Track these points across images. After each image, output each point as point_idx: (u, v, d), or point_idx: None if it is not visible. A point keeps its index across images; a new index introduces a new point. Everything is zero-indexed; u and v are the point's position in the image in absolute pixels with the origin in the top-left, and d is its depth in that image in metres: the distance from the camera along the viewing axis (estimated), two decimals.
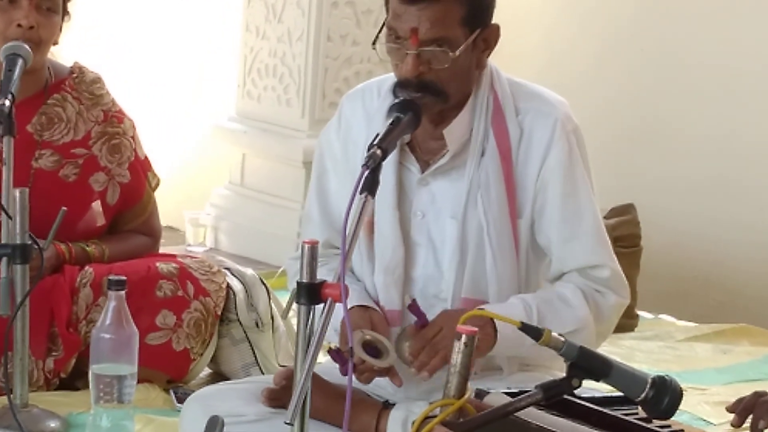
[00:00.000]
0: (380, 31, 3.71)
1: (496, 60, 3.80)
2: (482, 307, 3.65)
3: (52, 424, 4.05)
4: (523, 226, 3.78)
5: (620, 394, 2.95)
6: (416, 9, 3.62)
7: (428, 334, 3.64)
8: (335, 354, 3.56)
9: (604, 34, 6.15)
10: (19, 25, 4.23)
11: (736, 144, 5.81)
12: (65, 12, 4.37)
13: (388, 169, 3.68)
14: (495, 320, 3.58)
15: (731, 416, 4.41)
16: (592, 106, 5.58)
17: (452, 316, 3.60)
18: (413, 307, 3.65)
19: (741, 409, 3.23)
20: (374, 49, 3.75)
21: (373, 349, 3.62)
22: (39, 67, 4.37)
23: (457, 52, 3.63)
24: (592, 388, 3.04)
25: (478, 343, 3.09)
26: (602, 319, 3.79)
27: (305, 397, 3.42)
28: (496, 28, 3.75)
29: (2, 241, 3.97)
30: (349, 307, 3.56)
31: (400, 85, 3.66)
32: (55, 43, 4.39)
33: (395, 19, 3.66)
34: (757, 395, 3.20)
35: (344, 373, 3.44)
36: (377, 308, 3.75)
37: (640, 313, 5.34)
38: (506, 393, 3.11)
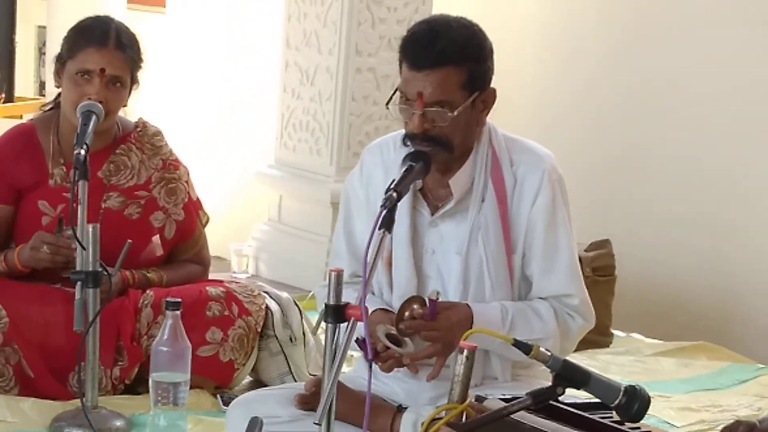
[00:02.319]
0: (393, 94, 3.73)
1: (493, 117, 3.81)
2: (468, 304, 3.66)
3: (118, 423, 4.04)
4: (517, 261, 3.78)
5: (597, 400, 2.95)
6: (422, 75, 3.63)
7: (429, 324, 3.63)
8: (361, 342, 3.56)
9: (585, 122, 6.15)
10: (89, 98, 4.22)
11: (697, 184, 5.78)
12: (134, 81, 4.37)
13: (403, 212, 3.69)
14: (473, 319, 3.59)
15: (694, 419, 4.42)
16: (571, 152, 5.58)
17: (460, 310, 3.65)
18: (433, 303, 3.64)
19: None
20: (388, 108, 3.77)
21: (394, 340, 3.63)
22: (108, 126, 4.38)
23: (456, 113, 3.64)
24: (573, 395, 3.04)
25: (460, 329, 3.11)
26: (568, 337, 3.79)
27: (331, 402, 3.42)
28: (493, 91, 3.75)
29: (78, 269, 3.99)
30: (372, 310, 3.59)
31: (409, 138, 3.68)
32: (124, 106, 4.40)
33: (405, 84, 3.67)
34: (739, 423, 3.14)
35: (367, 359, 3.43)
36: (394, 311, 3.75)
37: (614, 331, 5.33)
38: (501, 399, 3.10)
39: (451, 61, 3.65)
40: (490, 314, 3.68)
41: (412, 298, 3.67)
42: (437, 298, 3.65)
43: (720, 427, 4.29)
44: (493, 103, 3.76)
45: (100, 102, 4.21)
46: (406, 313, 3.64)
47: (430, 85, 3.63)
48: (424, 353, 3.62)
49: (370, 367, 3.40)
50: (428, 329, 3.62)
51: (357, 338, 3.55)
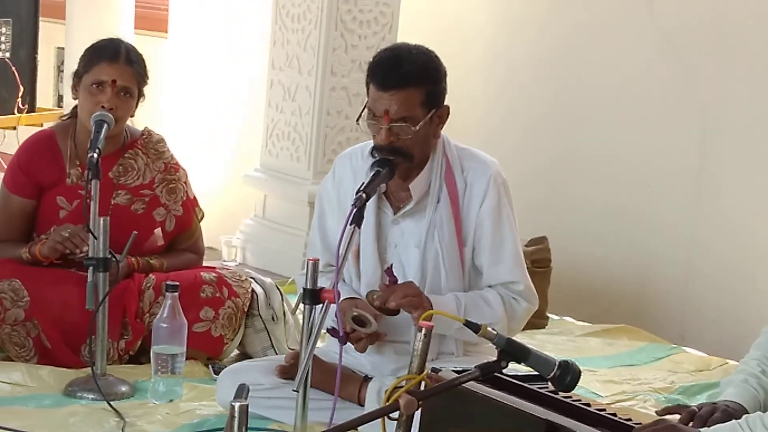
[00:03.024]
0: (362, 111, 3.73)
1: (445, 129, 3.81)
2: (428, 296, 3.66)
3: (123, 388, 4.02)
4: (467, 253, 3.79)
5: (536, 372, 2.95)
6: (388, 95, 3.64)
7: (401, 288, 3.63)
8: (332, 331, 3.56)
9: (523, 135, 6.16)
10: (102, 107, 4.22)
11: (623, 184, 5.78)
12: (141, 94, 4.36)
13: (369, 212, 3.69)
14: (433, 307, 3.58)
15: (616, 390, 4.42)
16: (515, 154, 5.58)
17: (413, 285, 3.65)
18: (389, 270, 3.66)
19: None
20: (358, 124, 3.78)
21: (359, 321, 3.63)
22: (118, 132, 4.36)
23: (417, 127, 3.65)
24: (515, 368, 3.04)
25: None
26: (515, 318, 3.80)
27: (308, 372, 3.42)
28: (447, 108, 3.76)
29: (90, 256, 3.97)
30: (342, 298, 3.59)
31: (376, 149, 3.68)
32: (132, 116, 4.39)
33: (372, 103, 3.68)
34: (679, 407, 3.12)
35: (341, 343, 3.43)
36: (362, 297, 3.75)
37: (549, 315, 5.33)
38: (454, 370, 3.10)
39: (412, 83, 3.65)
40: (446, 303, 3.68)
41: (370, 291, 3.68)
42: (391, 267, 3.65)
43: (639, 397, 4.34)
44: (447, 118, 3.77)
45: (111, 109, 4.20)
46: (374, 296, 3.64)
47: (395, 103, 3.64)
48: (406, 301, 3.59)
49: (342, 345, 3.41)
50: (398, 290, 3.61)
51: (327, 328, 3.56)
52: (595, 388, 4.39)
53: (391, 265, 3.71)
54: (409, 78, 3.64)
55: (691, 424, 3.05)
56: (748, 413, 3.00)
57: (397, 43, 3.89)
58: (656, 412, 3.06)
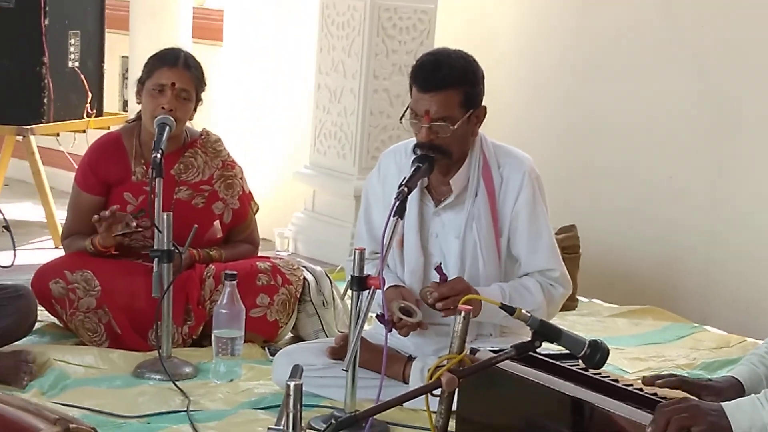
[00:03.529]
0: (405, 111, 3.74)
1: (483, 128, 3.81)
2: (476, 288, 3.65)
3: (187, 369, 4.04)
4: (503, 243, 3.80)
5: (567, 351, 2.96)
6: (428, 96, 3.64)
7: (450, 284, 3.63)
8: (381, 318, 3.57)
9: (548, 112, 6.14)
10: (162, 108, 4.25)
11: (640, 183, 5.78)
12: (199, 98, 4.38)
13: (412, 204, 3.71)
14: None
15: (642, 366, 4.41)
16: (548, 155, 5.57)
17: (463, 280, 3.64)
18: (439, 268, 3.67)
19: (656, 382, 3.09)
20: (401, 122, 3.78)
21: (406, 311, 3.64)
22: (178, 133, 4.37)
23: (456, 126, 3.65)
24: (548, 348, 3.04)
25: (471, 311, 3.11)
26: (552, 303, 3.80)
27: (356, 353, 3.44)
28: (484, 108, 3.76)
29: (155, 248, 4.00)
30: (387, 287, 3.59)
31: (418, 146, 3.69)
32: (190, 119, 4.41)
33: (414, 103, 3.68)
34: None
35: (389, 330, 3.45)
36: (405, 286, 3.76)
37: (579, 298, 5.32)
38: (491, 350, 3.11)
39: (451, 85, 3.65)
40: (492, 293, 3.68)
41: (425, 288, 3.68)
42: (440, 265, 3.66)
43: (663, 373, 4.31)
44: (484, 118, 3.77)
45: (171, 110, 4.23)
46: (429, 299, 3.63)
47: (435, 104, 3.64)
48: (451, 303, 3.58)
49: (389, 331, 3.43)
50: (450, 288, 3.60)
51: (377, 314, 3.57)
52: (622, 365, 4.39)
53: (440, 264, 3.70)
54: (447, 81, 3.64)
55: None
56: (741, 384, 3.00)
57: (439, 48, 3.88)
58: (643, 380, 3.00)
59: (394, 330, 3.65)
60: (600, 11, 5.95)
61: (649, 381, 2.97)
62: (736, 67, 5.43)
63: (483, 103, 3.75)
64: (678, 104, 5.64)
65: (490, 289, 3.70)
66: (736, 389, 3.00)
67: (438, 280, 3.67)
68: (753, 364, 3.09)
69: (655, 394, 2.86)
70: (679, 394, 2.92)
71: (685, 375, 3.17)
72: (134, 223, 4.20)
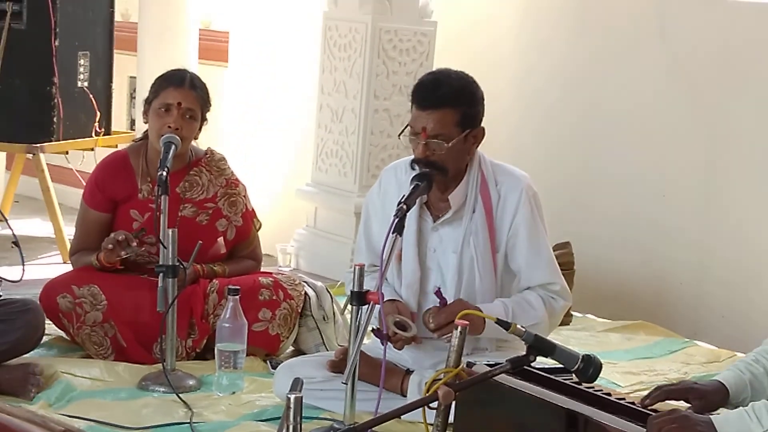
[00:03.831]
0: (405, 128, 3.74)
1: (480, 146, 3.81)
2: (478, 306, 3.64)
3: (191, 382, 4.03)
4: (500, 258, 3.79)
5: (561, 365, 2.95)
6: (425, 114, 3.65)
7: (450, 310, 3.61)
8: (377, 332, 3.56)
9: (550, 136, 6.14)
10: (168, 127, 4.25)
11: (639, 193, 5.77)
12: (204, 118, 4.38)
13: (411, 219, 3.70)
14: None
15: (634, 380, 4.40)
16: (542, 165, 5.56)
17: (463, 302, 3.62)
18: (438, 292, 3.66)
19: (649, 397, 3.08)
20: (399, 138, 3.79)
21: (401, 326, 3.63)
22: (184, 152, 4.37)
23: (450, 144, 3.64)
24: (542, 362, 3.03)
25: (475, 329, 3.09)
26: (554, 315, 3.80)
27: (355, 366, 3.43)
28: (483, 129, 3.75)
29: (160, 263, 3.99)
30: (384, 300, 3.58)
31: (414, 161, 3.69)
32: (196, 138, 4.41)
33: (413, 120, 3.69)
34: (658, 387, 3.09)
35: (383, 344, 3.44)
36: (402, 300, 3.75)
37: (573, 313, 5.30)
38: (487, 364, 3.10)
39: (448, 104, 3.65)
40: (495, 309, 3.66)
41: (426, 312, 3.68)
42: (439, 289, 3.66)
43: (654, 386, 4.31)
44: (482, 139, 3.76)
45: (177, 129, 4.22)
46: (430, 324, 3.63)
47: (431, 121, 3.64)
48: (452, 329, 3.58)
49: (385, 344, 3.41)
50: (448, 314, 3.60)
51: (372, 329, 3.56)
52: (615, 379, 4.37)
53: (439, 289, 3.70)
54: (444, 99, 3.64)
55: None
56: (726, 389, 3.00)
57: (441, 69, 3.87)
58: (643, 401, 3.00)
59: (389, 343, 3.64)
60: (594, 21, 5.95)
61: (642, 404, 2.96)
62: (726, 78, 5.42)
63: (482, 125, 3.74)
64: (668, 115, 5.63)
65: (493, 305, 3.69)
66: (721, 393, 3.01)
67: (438, 304, 3.66)
68: (740, 370, 3.09)
69: (646, 407, 2.86)
70: (669, 405, 2.92)
71: (667, 383, 3.16)
72: (134, 243, 4.20)
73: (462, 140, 3.67)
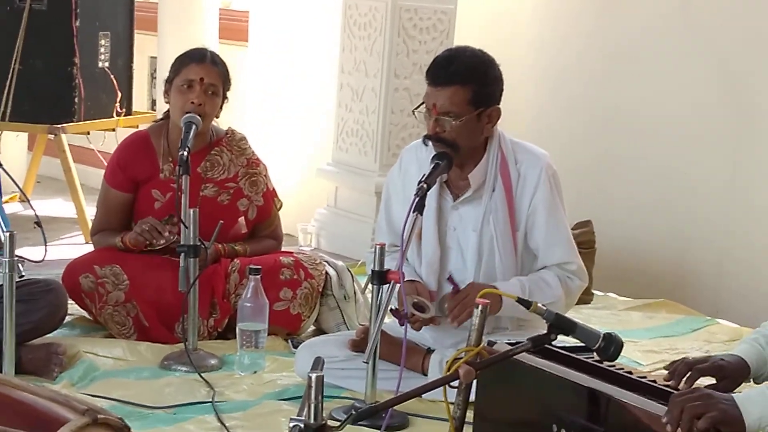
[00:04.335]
0: (420, 105, 3.73)
1: (502, 125, 3.79)
2: (494, 284, 3.65)
3: (213, 361, 4.05)
4: (520, 237, 3.78)
5: (582, 344, 2.94)
6: (436, 90, 3.65)
7: (460, 296, 3.65)
8: (395, 312, 3.56)
9: (568, 110, 6.12)
10: (192, 102, 4.26)
11: (657, 178, 5.76)
12: (224, 96, 4.38)
13: (432, 198, 3.69)
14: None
15: (656, 359, 4.39)
16: (564, 153, 5.55)
17: (476, 286, 3.63)
18: (450, 279, 3.67)
19: (675, 374, 3.06)
20: (413, 115, 3.78)
21: (419, 307, 3.63)
22: (205, 131, 4.38)
23: (459, 122, 3.62)
24: (563, 340, 3.03)
25: (492, 307, 3.08)
26: (570, 295, 3.79)
27: (376, 345, 3.43)
28: (498, 109, 3.71)
29: (182, 243, 4.00)
30: (404, 280, 3.59)
31: (426, 137, 3.69)
32: (217, 116, 4.41)
33: (426, 97, 3.69)
34: (686, 363, 3.07)
35: (401, 324, 3.44)
36: (421, 281, 3.76)
37: (594, 291, 5.30)
38: (508, 343, 3.10)
39: (458, 81, 3.63)
40: (512, 287, 3.66)
41: (442, 298, 3.71)
42: (451, 276, 3.65)
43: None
44: (498, 119, 3.72)
45: (200, 105, 4.23)
46: (447, 311, 3.64)
47: (441, 98, 3.63)
48: (465, 317, 3.59)
49: (406, 321, 3.41)
50: (462, 297, 3.61)
51: (391, 309, 3.56)
52: (636, 358, 4.37)
53: (451, 275, 3.70)
54: (455, 77, 3.62)
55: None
56: (747, 365, 2.99)
57: (459, 46, 3.85)
58: (666, 368, 3.00)
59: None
60: (618, 10, 5.92)
61: (668, 381, 2.95)
62: (755, 63, 5.40)
63: (499, 104, 3.72)
64: (695, 100, 5.61)
65: (509, 283, 3.69)
66: (744, 369, 3.00)
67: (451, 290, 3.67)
68: (759, 344, 3.08)
69: (668, 385, 2.85)
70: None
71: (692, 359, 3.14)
72: (166, 233, 4.22)
73: (474, 118, 3.65)
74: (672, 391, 2.79)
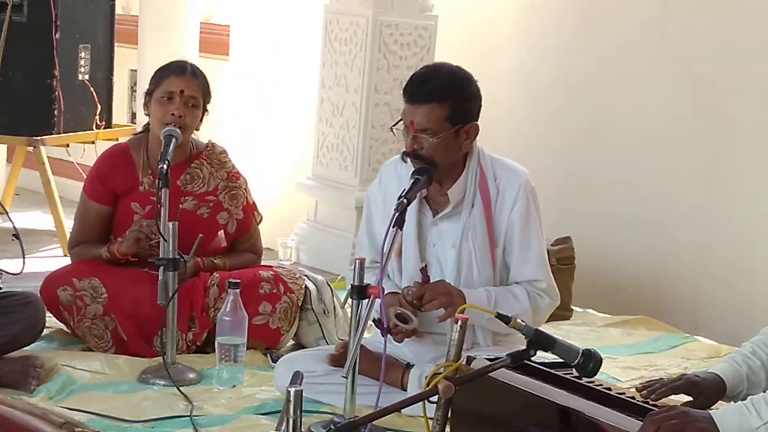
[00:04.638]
0: (397, 122, 3.74)
1: (481, 141, 3.80)
2: (461, 290, 3.66)
3: (191, 375, 4.04)
4: (498, 253, 3.79)
5: (561, 360, 2.95)
6: (413, 108, 3.66)
7: (431, 286, 3.65)
8: (377, 323, 3.56)
9: (552, 126, 6.14)
10: (172, 114, 4.25)
11: (634, 196, 5.78)
12: (205, 109, 4.38)
13: (411, 214, 3.69)
14: (466, 300, 3.59)
15: (635, 375, 4.40)
16: (544, 169, 5.57)
17: (446, 283, 3.66)
18: (424, 270, 3.67)
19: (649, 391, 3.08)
20: (392, 131, 3.79)
21: (402, 318, 3.63)
22: (185, 143, 4.38)
23: (436, 139, 3.63)
24: (542, 356, 3.03)
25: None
26: (538, 312, 3.80)
27: (356, 360, 3.43)
28: (476, 125, 3.72)
29: (161, 256, 3.99)
30: (386, 293, 3.59)
31: (404, 154, 3.70)
32: (197, 129, 4.41)
33: (403, 114, 3.70)
34: (662, 383, 3.08)
35: (383, 334, 3.44)
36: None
37: (574, 308, 5.31)
38: (486, 359, 3.10)
39: (435, 99, 3.63)
40: (478, 296, 3.68)
41: (406, 287, 3.69)
42: (425, 267, 3.64)
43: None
44: (476, 135, 3.73)
45: (180, 117, 4.23)
46: (408, 291, 3.65)
47: (418, 116, 3.64)
48: (437, 302, 3.60)
49: (386, 336, 3.41)
50: (429, 290, 3.62)
51: (374, 319, 3.56)
52: (615, 374, 4.38)
53: (425, 266, 3.71)
54: (431, 94, 3.63)
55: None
56: (723, 382, 3.00)
57: (436, 63, 3.86)
58: (637, 388, 3.03)
59: (389, 336, 3.65)
60: (597, 26, 5.95)
61: (644, 396, 2.96)
62: (728, 80, 5.43)
63: (477, 120, 3.72)
64: (671, 117, 5.65)
65: (476, 292, 3.70)
66: (719, 387, 3.02)
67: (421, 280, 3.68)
68: (736, 362, 3.09)
69: (646, 402, 2.86)
70: (671, 399, 2.92)
71: (668, 378, 3.16)
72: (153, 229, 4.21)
73: (452, 135, 3.65)
74: (651, 408, 2.80)
